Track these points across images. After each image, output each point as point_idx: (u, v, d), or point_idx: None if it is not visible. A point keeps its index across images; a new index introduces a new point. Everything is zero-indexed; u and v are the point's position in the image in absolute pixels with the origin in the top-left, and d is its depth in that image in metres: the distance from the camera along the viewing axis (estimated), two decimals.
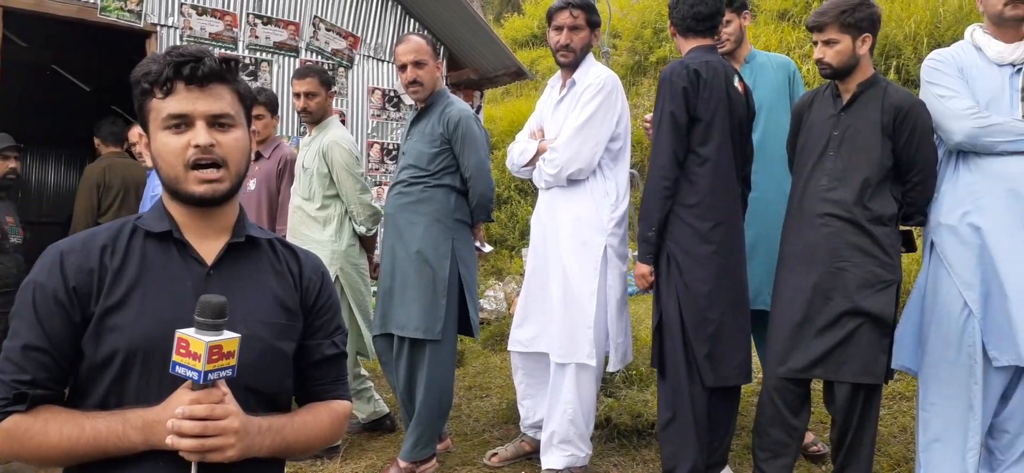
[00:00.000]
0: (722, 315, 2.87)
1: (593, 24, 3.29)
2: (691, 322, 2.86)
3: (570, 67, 3.31)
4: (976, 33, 2.80)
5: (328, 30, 6.31)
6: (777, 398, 2.80)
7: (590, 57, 3.34)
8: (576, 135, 3.17)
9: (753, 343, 3.18)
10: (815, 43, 2.81)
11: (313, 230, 3.76)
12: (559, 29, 3.26)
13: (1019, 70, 2.68)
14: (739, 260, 2.96)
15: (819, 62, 2.78)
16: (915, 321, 2.84)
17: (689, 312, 2.87)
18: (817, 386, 2.96)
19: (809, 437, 3.33)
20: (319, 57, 6.27)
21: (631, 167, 3.40)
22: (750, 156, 3.08)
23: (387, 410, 4.04)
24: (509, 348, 3.51)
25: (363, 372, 3.98)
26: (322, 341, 1.60)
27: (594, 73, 3.25)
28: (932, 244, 2.80)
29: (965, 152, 2.72)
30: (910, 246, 2.89)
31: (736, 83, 2.95)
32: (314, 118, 3.85)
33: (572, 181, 3.22)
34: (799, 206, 2.85)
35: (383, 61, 6.64)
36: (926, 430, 2.80)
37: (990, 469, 2.82)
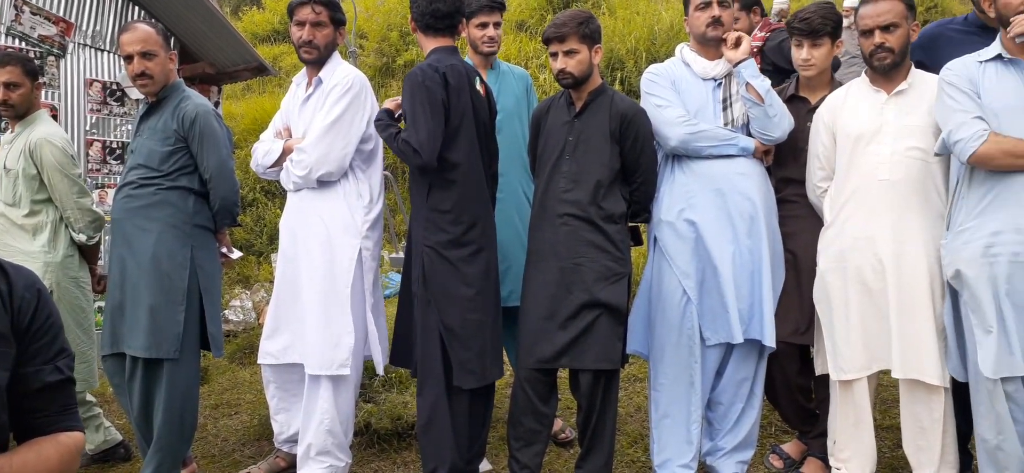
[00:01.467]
0: (483, 316, 2.96)
1: (337, 22, 3.21)
2: (453, 327, 2.90)
3: (315, 64, 3.21)
4: (685, 50, 3.16)
5: (34, 13, 5.54)
6: (528, 388, 2.94)
7: (337, 56, 3.26)
8: (325, 135, 3.08)
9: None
10: (554, 54, 2.94)
11: (21, 240, 3.31)
12: (301, 25, 3.15)
13: (720, 84, 3.07)
14: (494, 258, 3.06)
15: (561, 72, 2.92)
16: (644, 309, 3.14)
17: (450, 316, 2.90)
18: (563, 374, 3.16)
19: (557, 424, 3.54)
20: (23, 44, 5.48)
21: (384, 169, 3.38)
22: (495, 153, 3.17)
23: (120, 438, 3.65)
24: (260, 361, 3.32)
25: (90, 397, 3.55)
26: (42, 367, 1.40)
27: (342, 72, 3.18)
28: (655, 239, 3.11)
29: (679, 156, 3.06)
30: (637, 241, 3.18)
31: (478, 85, 3.04)
32: (17, 112, 3.39)
33: (323, 182, 3.13)
34: (541, 206, 3.01)
35: (104, 50, 5.96)
36: (657, 408, 3.11)
37: (710, 438, 3.21)
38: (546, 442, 3.03)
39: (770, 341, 2.96)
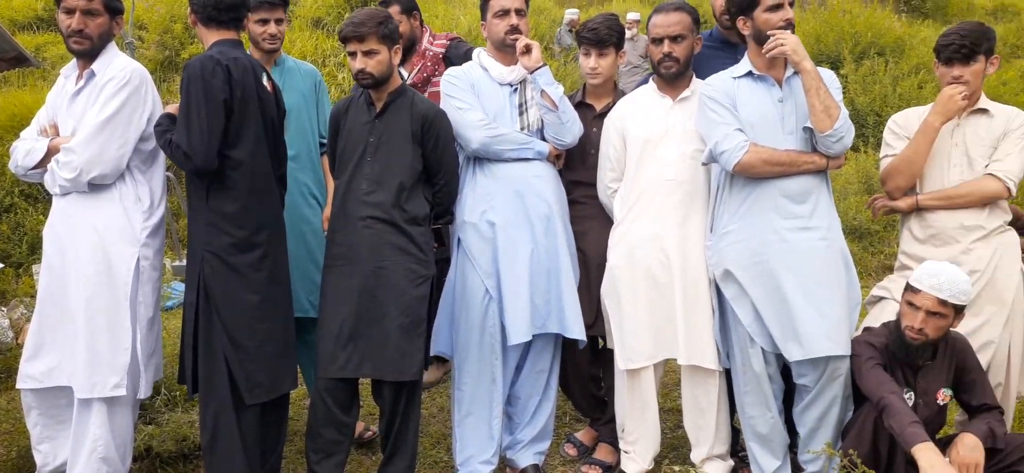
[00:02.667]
0: (273, 325, 2.82)
1: (113, 10, 2.93)
2: (238, 338, 2.74)
3: (87, 56, 2.90)
4: (482, 55, 3.23)
5: None
6: (328, 398, 2.86)
7: (112, 46, 2.98)
8: (98, 133, 2.80)
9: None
10: (353, 54, 2.87)
11: None
12: (70, 12, 2.84)
13: (516, 89, 3.17)
14: (285, 265, 2.94)
15: (361, 72, 2.85)
16: (448, 310, 3.17)
17: (235, 327, 2.74)
18: (365, 380, 3.10)
19: (359, 425, 3.48)
20: None
21: (166, 170, 3.13)
22: (284, 156, 3.03)
23: None
24: (19, 385, 2.95)
25: None
26: None
27: (118, 65, 2.90)
28: (459, 240, 3.15)
29: (481, 158, 3.12)
30: (441, 242, 3.21)
31: (265, 81, 2.89)
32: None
33: (95, 186, 2.84)
34: (342, 209, 2.94)
35: None
36: (460, 407, 3.16)
37: (510, 432, 3.31)
38: (347, 452, 2.96)
39: (575, 334, 3.10)
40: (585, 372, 3.36)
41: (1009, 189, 2.84)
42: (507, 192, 3.08)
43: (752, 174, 2.78)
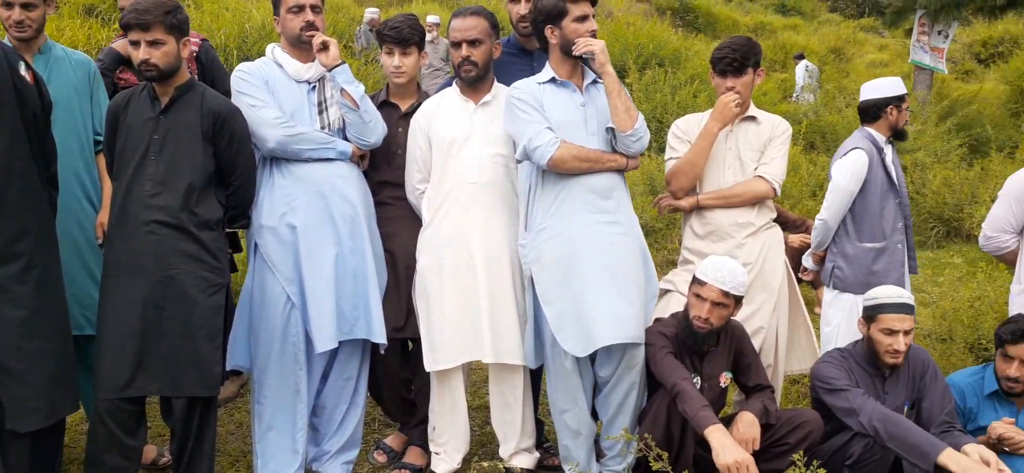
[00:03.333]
0: (45, 342, 2.47)
1: None
2: (2, 359, 2.38)
3: None
4: (276, 51, 3.08)
5: None
6: (110, 421, 2.60)
7: None
8: None
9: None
10: (136, 44, 2.64)
11: None
12: None
13: (314, 87, 3.06)
14: (57, 274, 2.60)
15: (145, 63, 2.63)
16: (246, 320, 2.99)
17: None
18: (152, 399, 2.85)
19: (152, 452, 3.19)
20: None
21: None
22: (53, 153, 2.69)
23: None
24: None
25: None
26: None
27: None
28: (256, 245, 2.98)
29: (279, 158, 2.97)
30: (236, 248, 3.01)
31: (23, 71, 2.54)
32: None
33: None
34: (122, 212, 2.68)
35: None
36: (261, 421, 2.99)
37: (316, 444, 3.18)
38: None
39: (380, 338, 3.04)
40: (396, 375, 3.31)
41: (775, 189, 3.17)
42: (309, 194, 2.96)
43: (564, 169, 2.87)
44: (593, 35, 2.88)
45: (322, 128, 3.02)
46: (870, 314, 2.89)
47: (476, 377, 4.09)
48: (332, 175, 3.00)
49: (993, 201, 3.56)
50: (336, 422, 3.14)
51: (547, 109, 2.91)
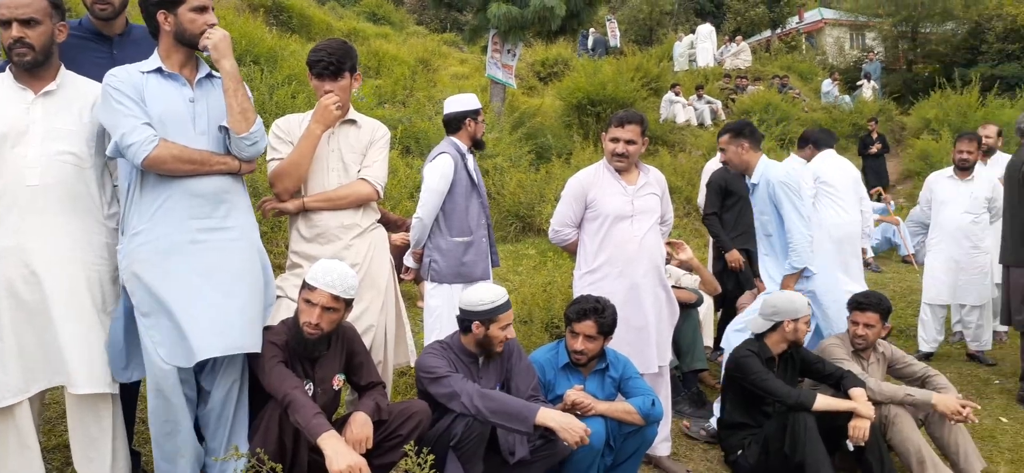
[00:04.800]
0: None
1: None
2: None
3: None
4: None
5: None
6: None
7: None
8: None
9: None
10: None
11: None
12: None
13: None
14: None
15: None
16: None
17: None
18: None
19: None
20: None
21: None
22: None
23: None
24: None
25: None
26: None
27: None
28: None
29: None
30: None
31: None
32: None
33: None
34: None
35: None
36: None
37: None
38: None
39: None
40: None
41: (378, 191, 3.27)
42: None
43: (163, 170, 2.61)
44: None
45: None
46: (488, 317, 3.12)
47: (51, 413, 3.50)
48: None
49: (557, 200, 4.17)
50: None
51: (149, 102, 2.63)
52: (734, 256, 5.28)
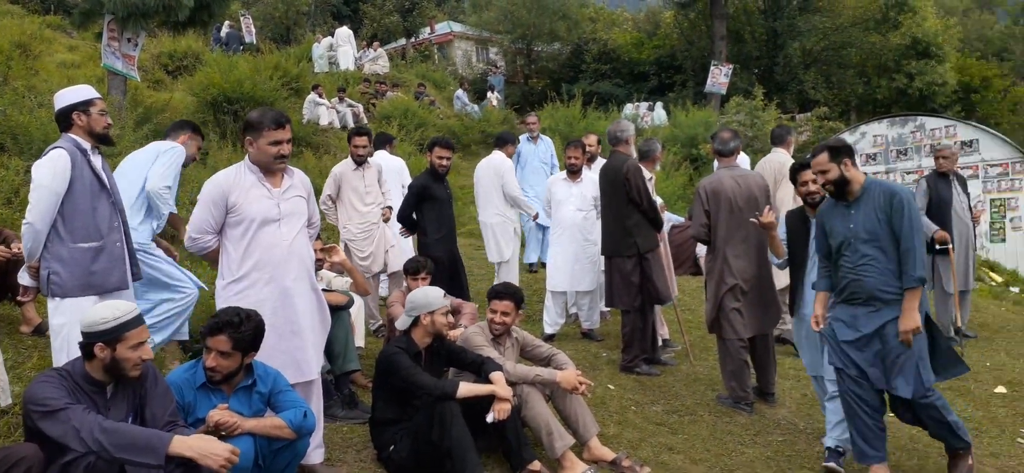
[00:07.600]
0: None
1: None
2: None
3: None
4: None
5: None
6: None
7: None
8: None
9: None
10: None
11: None
12: None
13: None
14: None
15: None
16: None
17: None
18: None
19: None
20: None
21: None
22: None
23: None
24: None
25: None
26: None
27: None
28: None
29: None
30: None
31: None
32: None
33: None
34: None
35: None
36: None
37: None
38: None
39: None
40: None
41: None
42: None
43: None
44: None
45: None
46: (113, 336, 2.77)
47: None
48: None
49: (193, 204, 3.85)
50: None
51: None
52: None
